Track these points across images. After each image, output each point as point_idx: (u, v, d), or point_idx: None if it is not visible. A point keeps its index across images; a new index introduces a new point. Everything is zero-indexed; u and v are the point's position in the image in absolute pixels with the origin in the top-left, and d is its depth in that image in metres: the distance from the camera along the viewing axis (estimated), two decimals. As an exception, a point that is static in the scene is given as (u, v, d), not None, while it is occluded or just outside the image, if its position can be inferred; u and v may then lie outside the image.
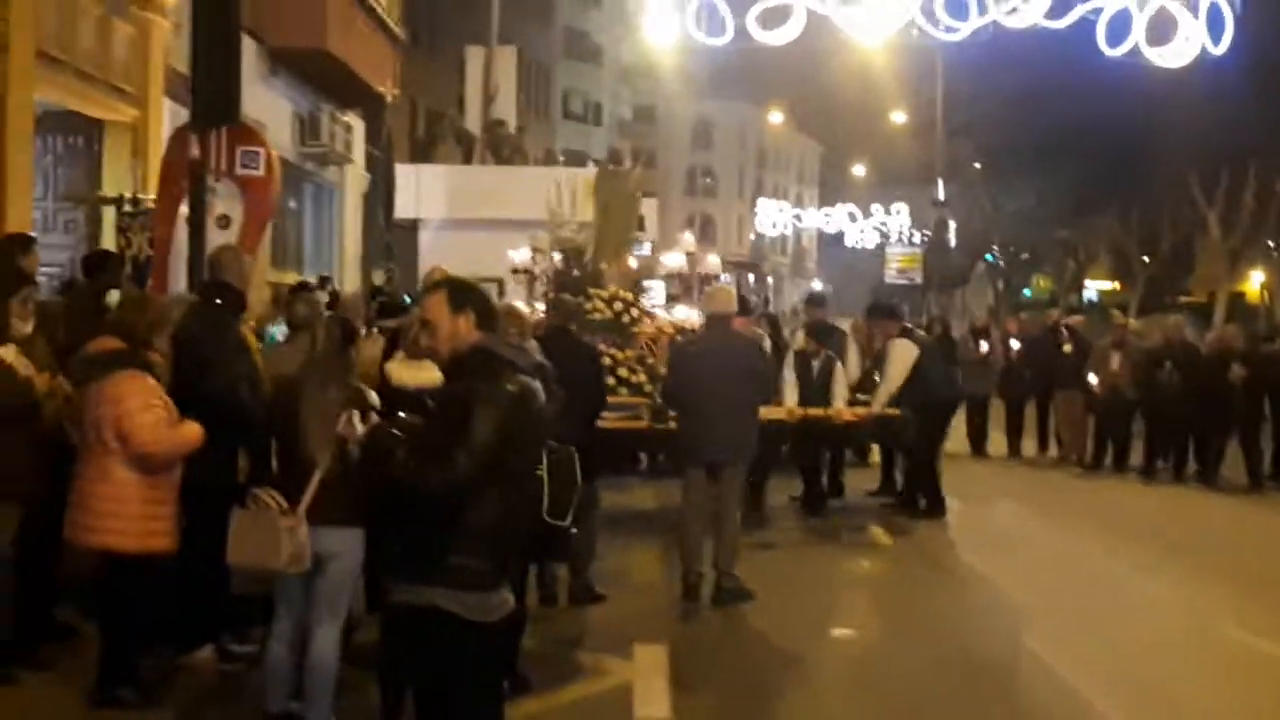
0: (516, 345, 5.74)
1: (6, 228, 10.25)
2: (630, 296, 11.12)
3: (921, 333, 12.88)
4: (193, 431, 5.51)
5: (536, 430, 4.06)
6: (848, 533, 11.26)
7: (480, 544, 3.86)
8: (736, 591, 8.21)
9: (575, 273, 11.25)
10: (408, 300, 10.82)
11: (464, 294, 4.01)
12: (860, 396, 11.52)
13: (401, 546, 3.95)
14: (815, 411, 10.93)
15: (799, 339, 11.96)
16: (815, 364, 11.27)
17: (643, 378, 10.59)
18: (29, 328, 5.86)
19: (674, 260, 12.73)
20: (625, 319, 11.03)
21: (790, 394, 10.97)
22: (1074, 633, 7.90)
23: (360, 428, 4.91)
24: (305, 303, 7.33)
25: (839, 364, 11.38)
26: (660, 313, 11.81)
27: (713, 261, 13.26)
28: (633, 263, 12.16)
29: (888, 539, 11.02)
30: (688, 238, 13.13)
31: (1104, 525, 11.89)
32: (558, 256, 11.68)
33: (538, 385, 4.01)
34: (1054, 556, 10.55)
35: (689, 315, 11.31)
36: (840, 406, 11.11)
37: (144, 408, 5.31)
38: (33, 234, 10.55)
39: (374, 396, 5.37)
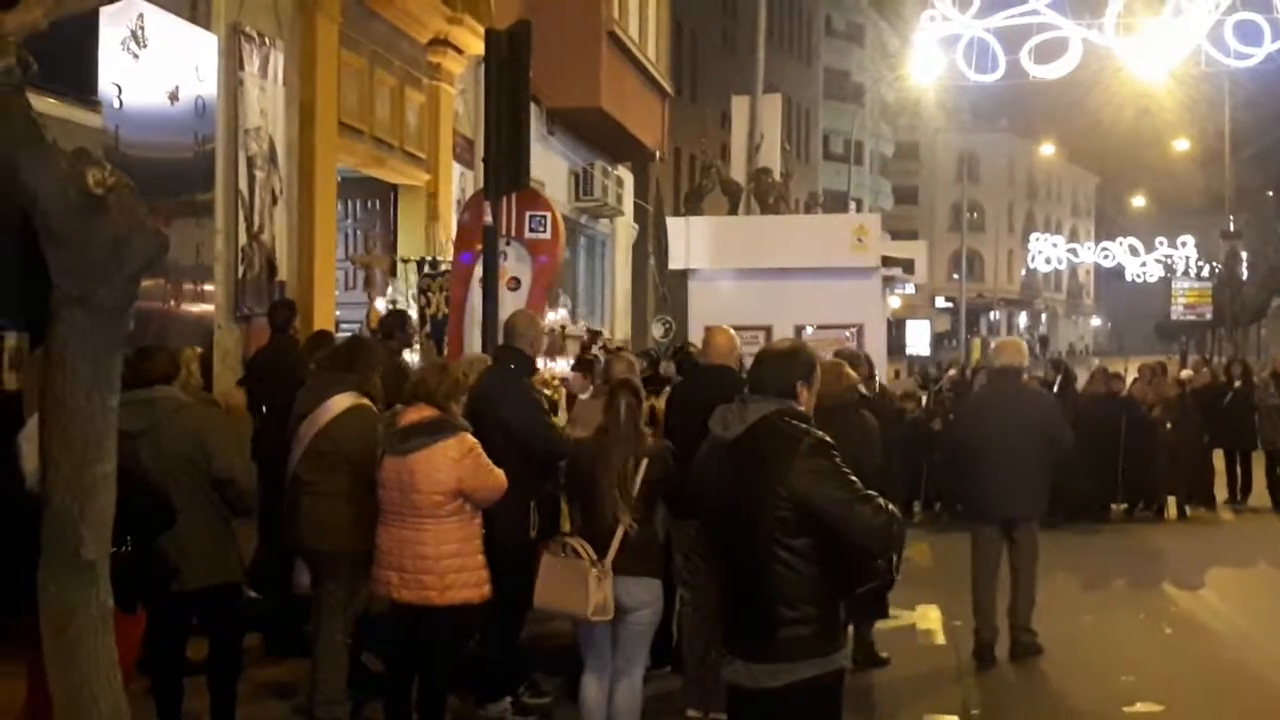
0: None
1: (314, 286, 11.02)
2: None
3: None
4: (503, 476, 5.75)
5: None
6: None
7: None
8: (1031, 646, 8.05)
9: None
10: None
11: None
12: None
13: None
14: None
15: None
16: None
17: None
18: None
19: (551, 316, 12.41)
20: None
21: None
22: None
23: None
24: (625, 362, 7.55)
25: None
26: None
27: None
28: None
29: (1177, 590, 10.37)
30: (563, 298, 12.79)
31: None
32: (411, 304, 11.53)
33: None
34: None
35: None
36: None
37: (483, 467, 5.62)
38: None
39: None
